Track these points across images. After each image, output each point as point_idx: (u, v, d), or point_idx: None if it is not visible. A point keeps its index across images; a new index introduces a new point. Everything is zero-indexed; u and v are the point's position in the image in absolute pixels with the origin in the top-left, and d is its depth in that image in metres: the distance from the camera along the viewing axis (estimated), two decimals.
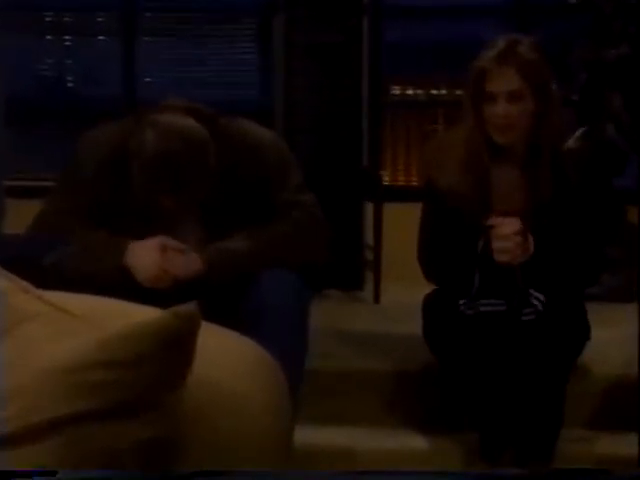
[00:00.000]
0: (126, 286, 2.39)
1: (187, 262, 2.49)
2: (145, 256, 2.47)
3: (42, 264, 2.46)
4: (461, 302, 2.55)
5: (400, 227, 3.58)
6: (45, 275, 2.36)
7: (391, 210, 3.99)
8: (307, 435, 2.40)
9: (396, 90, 4.71)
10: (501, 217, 2.52)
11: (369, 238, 4.08)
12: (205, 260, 2.50)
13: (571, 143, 2.65)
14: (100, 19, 4.69)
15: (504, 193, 2.61)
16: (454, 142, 2.64)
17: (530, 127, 2.57)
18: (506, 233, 2.49)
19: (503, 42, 2.54)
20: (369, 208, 4.06)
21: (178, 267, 2.47)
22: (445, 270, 2.62)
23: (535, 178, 2.58)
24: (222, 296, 2.48)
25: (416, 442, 2.78)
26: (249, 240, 2.53)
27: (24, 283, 1.66)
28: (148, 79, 4.64)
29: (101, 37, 4.71)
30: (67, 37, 4.71)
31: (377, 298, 3.91)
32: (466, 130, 2.60)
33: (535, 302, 2.53)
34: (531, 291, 2.53)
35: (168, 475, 1.45)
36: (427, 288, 2.74)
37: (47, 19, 4.66)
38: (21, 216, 2.68)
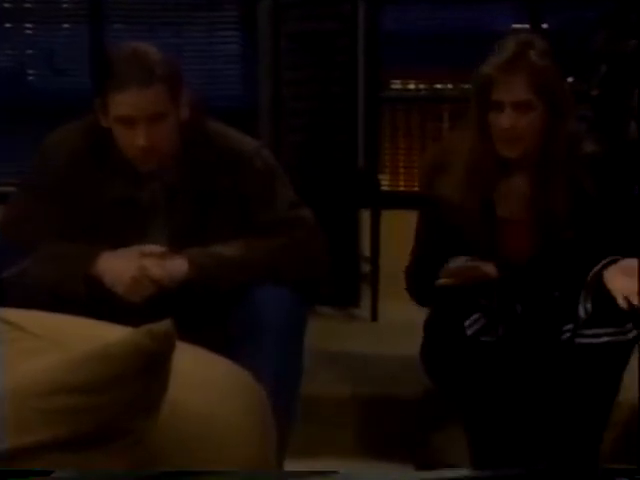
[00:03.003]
0: (93, 300, 2.42)
1: (172, 265, 2.52)
2: (121, 262, 2.50)
3: (0, 278, 2.49)
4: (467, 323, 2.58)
5: (400, 237, 3.59)
6: (3, 290, 2.40)
7: (390, 218, 4.01)
8: (292, 468, 2.41)
9: (396, 84, 4.73)
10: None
11: (365, 249, 4.10)
12: (192, 263, 2.53)
13: (588, 147, 2.65)
14: (65, 4, 4.72)
15: (512, 208, 2.63)
16: (458, 150, 2.64)
17: (540, 139, 2.57)
18: None
19: (512, 46, 2.54)
20: (366, 215, 4.09)
21: (162, 271, 2.50)
22: (435, 296, 2.65)
23: (547, 192, 2.59)
24: (205, 312, 2.51)
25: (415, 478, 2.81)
26: (242, 248, 2.56)
27: None
28: None
29: (66, 24, 4.74)
30: (28, 25, 4.73)
31: (374, 315, 3.93)
32: (471, 140, 2.60)
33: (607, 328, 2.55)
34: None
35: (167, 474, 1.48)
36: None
37: (5, 4, 4.68)
38: None
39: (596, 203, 2.59)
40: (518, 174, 2.63)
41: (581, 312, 2.54)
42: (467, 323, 2.56)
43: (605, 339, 2.53)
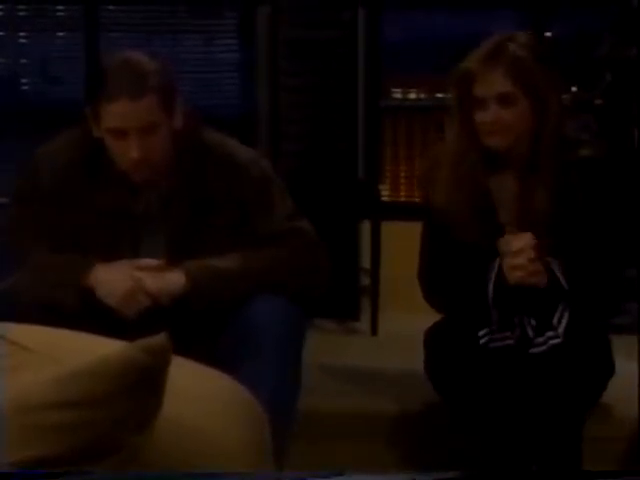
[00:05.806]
0: (87, 313, 2.44)
1: (169, 279, 2.53)
2: (115, 274, 2.51)
3: None
4: (481, 333, 2.60)
5: (401, 248, 3.61)
6: None
7: (391, 229, 4.02)
8: None
9: (397, 93, 4.75)
10: (512, 234, 2.59)
11: (366, 261, 4.11)
12: (189, 277, 2.53)
13: (586, 152, 2.69)
14: (60, 12, 4.73)
15: (508, 206, 2.67)
16: (446, 154, 2.70)
17: (528, 132, 2.63)
18: (517, 248, 2.54)
19: (492, 41, 2.62)
20: (366, 227, 4.10)
21: (158, 284, 2.51)
22: (449, 297, 2.68)
23: (533, 189, 2.63)
24: (201, 324, 2.52)
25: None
26: (240, 260, 2.58)
27: None
28: None
29: (61, 33, 4.75)
30: (22, 33, 4.74)
31: (374, 329, 3.94)
32: (455, 140, 2.67)
33: (551, 332, 2.58)
34: (555, 320, 2.59)
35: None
36: (431, 318, 2.78)
37: None
38: None
39: (583, 209, 2.62)
40: (511, 177, 2.66)
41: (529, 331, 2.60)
42: (481, 333, 2.59)
43: (553, 342, 2.57)
